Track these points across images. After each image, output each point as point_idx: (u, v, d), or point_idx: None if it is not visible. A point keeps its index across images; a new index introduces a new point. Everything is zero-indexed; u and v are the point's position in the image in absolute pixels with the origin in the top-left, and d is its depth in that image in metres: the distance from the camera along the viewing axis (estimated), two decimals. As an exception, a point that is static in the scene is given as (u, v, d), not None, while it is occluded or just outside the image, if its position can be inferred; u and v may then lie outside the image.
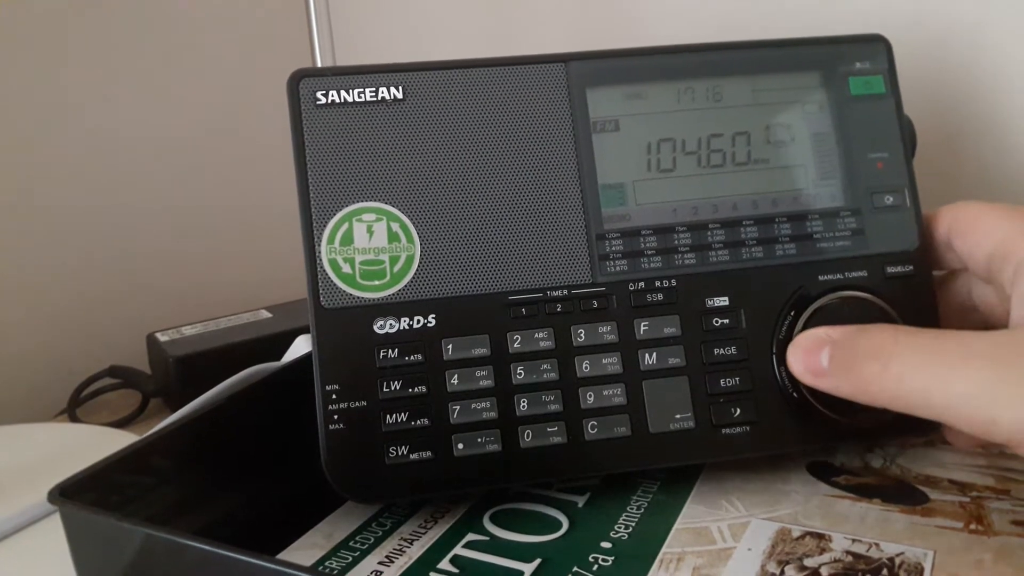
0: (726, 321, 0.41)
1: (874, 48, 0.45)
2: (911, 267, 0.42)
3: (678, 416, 0.40)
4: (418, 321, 0.40)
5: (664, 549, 0.36)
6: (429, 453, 0.39)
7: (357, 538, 0.39)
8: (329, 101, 0.41)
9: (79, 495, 0.35)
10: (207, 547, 0.31)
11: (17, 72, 0.73)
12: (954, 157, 0.60)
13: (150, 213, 0.83)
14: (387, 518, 0.40)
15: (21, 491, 0.50)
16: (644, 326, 0.41)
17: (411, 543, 0.38)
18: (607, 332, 0.40)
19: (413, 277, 0.40)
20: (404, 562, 0.37)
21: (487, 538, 0.38)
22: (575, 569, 0.35)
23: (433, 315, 0.40)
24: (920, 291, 0.42)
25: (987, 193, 0.58)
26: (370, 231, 0.40)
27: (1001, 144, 0.59)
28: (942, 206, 0.42)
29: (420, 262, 0.40)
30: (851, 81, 0.44)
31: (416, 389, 0.39)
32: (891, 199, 0.43)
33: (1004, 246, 0.38)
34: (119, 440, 0.57)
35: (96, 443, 0.57)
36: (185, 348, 0.68)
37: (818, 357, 0.35)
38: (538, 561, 0.36)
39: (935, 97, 0.60)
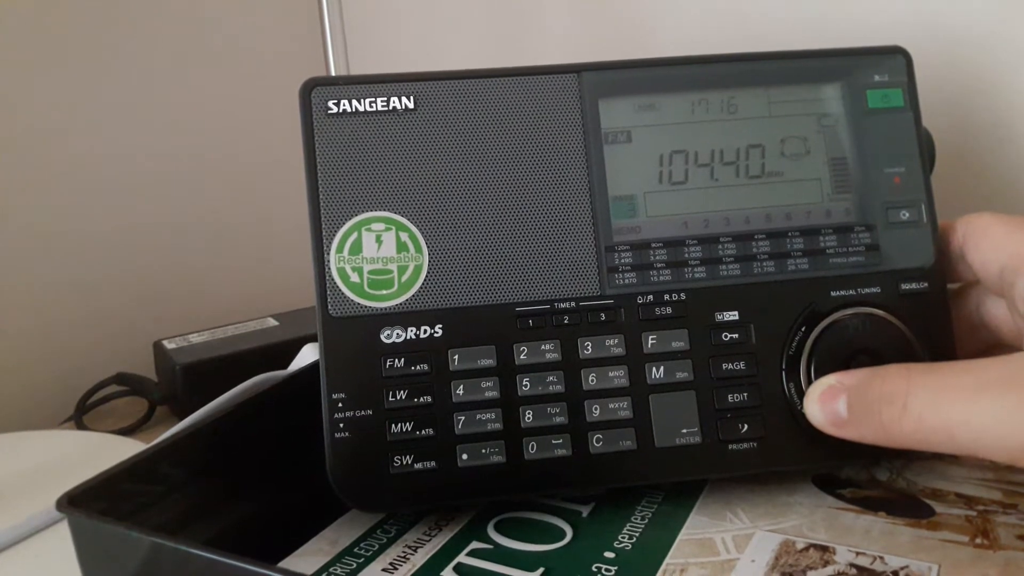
0: (735, 336, 0.43)
1: (893, 60, 0.46)
2: (926, 284, 0.43)
3: (684, 431, 0.42)
4: (425, 331, 0.42)
5: (667, 560, 0.38)
6: (433, 463, 0.41)
7: (361, 545, 0.41)
8: (341, 110, 0.43)
9: (88, 503, 0.36)
10: (213, 556, 0.32)
11: (25, 83, 0.75)
12: (969, 167, 0.61)
13: (158, 221, 0.85)
14: (392, 525, 0.42)
15: (28, 498, 0.52)
16: (652, 339, 0.42)
17: (415, 550, 0.40)
18: (614, 345, 0.42)
19: (421, 287, 0.42)
20: (408, 569, 0.38)
21: (491, 546, 0.40)
22: (578, 579, 0.37)
23: (440, 325, 0.42)
24: (935, 308, 0.44)
25: (1003, 202, 0.60)
26: (379, 241, 0.42)
27: (1018, 151, 0.60)
28: (958, 217, 0.44)
29: (428, 272, 0.42)
30: (869, 94, 0.45)
31: (422, 399, 0.41)
32: (907, 214, 0.44)
33: (1016, 260, 0.39)
34: (126, 447, 0.59)
35: (103, 450, 0.59)
36: (192, 356, 0.70)
37: (835, 406, 0.36)
38: (541, 570, 0.38)
39: (949, 105, 0.61)
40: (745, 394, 0.42)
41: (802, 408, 0.42)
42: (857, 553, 0.38)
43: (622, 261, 0.43)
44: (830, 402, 0.37)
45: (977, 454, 0.32)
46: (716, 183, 0.44)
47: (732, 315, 0.43)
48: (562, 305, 0.42)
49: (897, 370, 0.34)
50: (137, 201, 0.83)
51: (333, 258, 0.42)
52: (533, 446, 0.41)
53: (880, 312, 0.43)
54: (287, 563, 0.40)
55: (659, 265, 0.43)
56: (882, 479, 0.44)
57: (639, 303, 0.43)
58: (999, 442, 0.31)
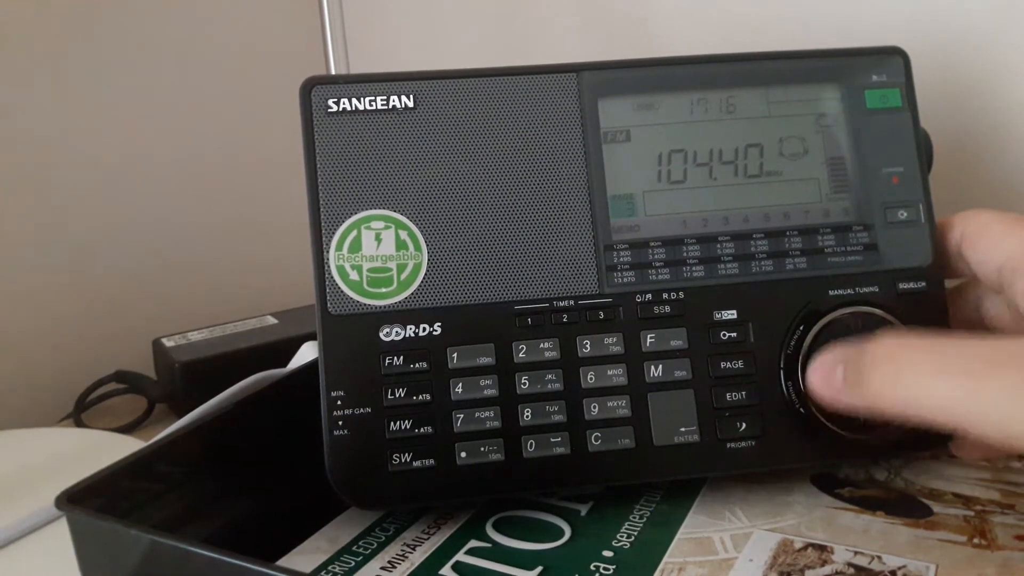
0: (734, 335, 0.43)
1: (891, 61, 0.46)
2: (923, 283, 0.43)
3: (683, 429, 0.42)
4: (424, 329, 0.41)
5: (666, 559, 0.38)
6: (432, 461, 0.40)
7: (360, 543, 0.41)
8: (340, 109, 0.43)
9: (86, 501, 0.36)
10: (211, 554, 0.32)
11: (24, 83, 0.75)
12: (966, 165, 0.61)
13: (158, 219, 0.85)
14: (390, 523, 0.42)
15: (27, 496, 0.52)
16: (651, 338, 0.42)
17: (414, 549, 0.40)
18: (613, 343, 0.42)
19: (420, 285, 0.42)
20: (406, 568, 0.38)
21: (489, 545, 0.40)
22: (576, 577, 0.37)
23: (439, 323, 0.42)
24: (932, 307, 0.43)
25: (1001, 202, 0.60)
26: (378, 239, 0.42)
27: (1016, 152, 0.60)
28: (954, 214, 0.43)
29: (427, 270, 0.42)
30: (867, 94, 0.45)
31: (420, 397, 0.41)
32: (905, 214, 0.44)
33: (1015, 258, 0.39)
34: (124, 445, 0.59)
35: (101, 448, 0.59)
36: (191, 354, 0.70)
37: (834, 376, 0.36)
38: (539, 569, 0.38)
39: (947, 106, 0.61)
40: (743, 393, 0.42)
41: (801, 408, 0.42)
42: (855, 552, 0.38)
43: (621, 260, 0.43)
44: (830, 373, 0.37)
45: (970, 431, 0.31)
46: (715, 182, 0.44)
47: (730, 314, 0.43)
48: (561, 304, 0.42)
49: (896, 338, 0.34)
50: (137, 199, 0.83)
51: (332, 256, 0.42)
52: (532, 444, 0.41)
53: (878, 311, 0.43)
54: (286, 561, 0.40)
55: (658, 264, 0.43)
56: (880, 479, 0.44)
57: (638, 302, 0.43)
58: (1002, 422, 0.30)
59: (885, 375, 0.33)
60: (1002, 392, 0.30)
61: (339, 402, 0.41)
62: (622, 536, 0.40)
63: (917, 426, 0.32)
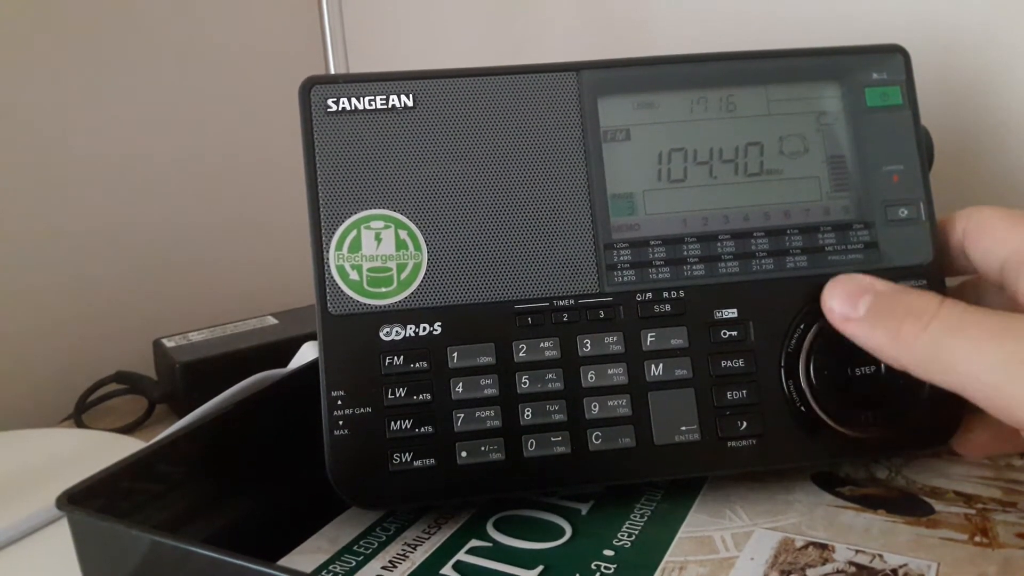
0: (734, 333, 0.43)
1: (891, 59, 0.45)
2: (924, 281, 0.43)
3: (683, 428, 0.41)
4: (424, 328, 0.41)
5: (667, 558, 0.38)
6: (432, 461, 0.40)
7: (361, 543, 0.41)
8: (340, 108, 0.43)
9: (87, 501, 0.36)
10: (212, 554, 0.32)
11: (24, 82, 0.75)
12: (967, 163, 0.61)
13: (158, 219, 0.85)
14: (391, 523, 0.42)
15: (28, 496, 0.52)
16: (651, 337, 0.42)
17: (414, 548, 0.40)
18: (613, 342, 0.42)
19: (420, 285, 0.42)
20: (407, 567, 0.38)
21: (490, 544, 0.40)
22: (577, 576, 0.37)
23: (439, 323, 0.42)
24: None
25: (1001, 200, 0.60)
26: (378, 238, 0.42)
27: (1016, 150, 0.60)
28: (957, 211, 0.43)
29: (427, 270, 0.42)
30: (867, 92, 0.45)
31: (421, 396, 0.41)
32: (906, 212, 0.44)
33: (1019, 254, 0.39)
34: (125, 446, 0.59)
35: (102, 449, 0.59)
36: (191, 354, 0.70)
37: (857, 302, 0.37)
38: (540, 568, 0.38)
39: (948, 104, 0.61)
40: (744, 391, 0.42)
41: (801, 406, 0.41)
42: (856, 551, 0.38)
43: (621, 259, 0.43)
44: (854, 296, 0.37)
45: (968, 391, 0.32)
46: (715, 181, 0.44)
47: (731, 312, 0.43)
48: (561, 303, 0.42)
49: (932, 294, 0.35)
50: (137, 199, 0.83)
51: (332, 256, 0.42)
52: (532, 444, 0.41)
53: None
54: (287, 561, 0.40)
55: (658, 263, 0.43)
56: (881, 477, 0.44)
57: (638, 300, 0.43)
58: (999, 382, 0.31)
59: (912, 327, 0.34)
60: (1003, 357, 0.31)
61: (339, 402, 0.41)
62: (623, 535, 0.40)
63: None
